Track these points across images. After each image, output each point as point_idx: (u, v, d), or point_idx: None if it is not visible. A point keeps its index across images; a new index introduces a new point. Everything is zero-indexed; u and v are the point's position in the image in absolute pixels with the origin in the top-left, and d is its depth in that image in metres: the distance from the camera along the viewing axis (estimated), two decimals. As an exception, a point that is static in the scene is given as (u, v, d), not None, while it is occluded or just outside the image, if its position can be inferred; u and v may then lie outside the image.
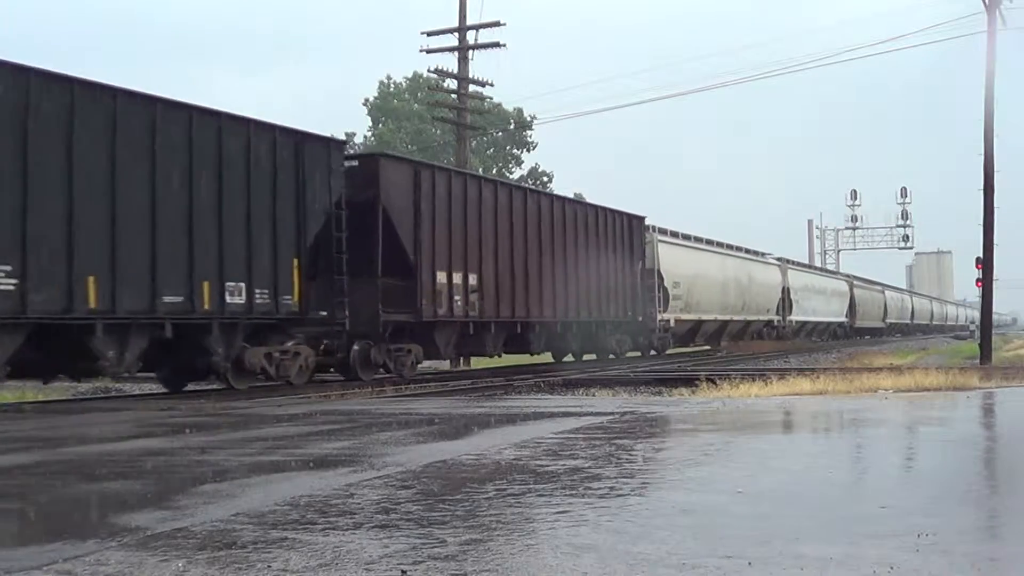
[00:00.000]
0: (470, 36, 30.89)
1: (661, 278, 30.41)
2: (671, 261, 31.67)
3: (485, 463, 6.45)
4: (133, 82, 16.35)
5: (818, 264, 72.85)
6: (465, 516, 4.47)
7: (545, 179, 55.32)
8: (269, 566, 3.54)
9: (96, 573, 3.56)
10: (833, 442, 8.31)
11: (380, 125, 51.78)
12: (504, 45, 30.56)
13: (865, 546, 3.73)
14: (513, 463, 6.40)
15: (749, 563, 3.46)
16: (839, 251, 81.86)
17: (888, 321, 68.40)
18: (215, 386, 16.64)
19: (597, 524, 4.25)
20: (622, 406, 10.91)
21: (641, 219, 29.86)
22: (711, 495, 5.02)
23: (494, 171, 52.63)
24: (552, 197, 26.43)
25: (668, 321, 30.94)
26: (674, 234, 34.15)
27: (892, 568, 3.37)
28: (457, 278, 20.10)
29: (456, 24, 30.85)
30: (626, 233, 28.39)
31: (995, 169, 23.69)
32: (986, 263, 24.75)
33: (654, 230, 31.06)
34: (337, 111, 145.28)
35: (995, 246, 24.51)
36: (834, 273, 60.68)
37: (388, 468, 6.10)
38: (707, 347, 37.85)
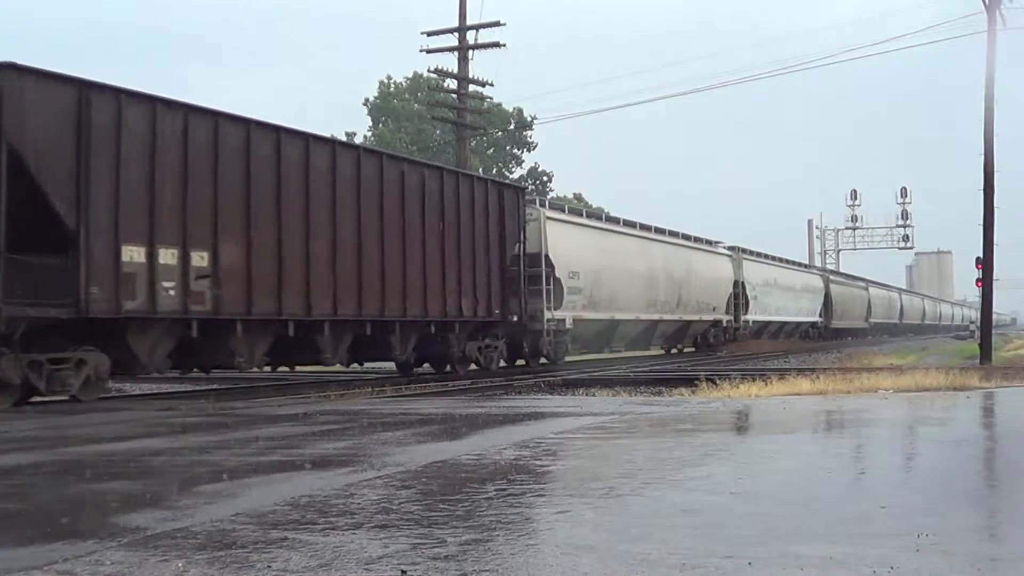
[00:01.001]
0: (470, 36, 30.89)
1: (551, 267, 23.77)
2: (566, 245, 24.82)
3: (485, 463, 6.45)
4: (132, 81, 16.34)
5: (818, 264, 71.50)
6: (465, 516, 4.47)
7: (545, 179, 55.34)
8: (269, 566, 3.54)
9: (96, 573, 3.55)
10: (833, 442, 8.31)
11: (380, 125, 51.80)
12: (504, 45, 30.58)
13: (865, 546, 3.73)
14: (513, 463, 6.40)
15: (749, 563, 3.46)
16: (839, 251, 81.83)
17: (873, 321, 63.00)
18: (216, 386, 16.65)
19: (597, 524, 4.25)
20: (622, 406, 10.91)
21: (519, 190, 24.09)
22: (711, 495, 5.01)
23: (494, 171, 52.67)
24: (372, 153, 19.80)
25: (563, 321, 24.12)
26: (574, 211, 28.22)
27: (892, 568, 3.37)
28: (168, 256, 13.77)
29: (456, 24, 30.85)
30: (495, 208, 21.58)
31: (995, 169, 23.70)
32: (986, 263, 24.75)
33: (542, 205, 25.24)
34: (337, 111, 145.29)
35: (995, 246, 24.51)
36: (806, 267, 53.40)
37: (388, 468, 6.09)
38: (629, 353, 31.04)
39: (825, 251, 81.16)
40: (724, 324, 36.92)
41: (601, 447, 7.45)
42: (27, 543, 4.18)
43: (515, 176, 54.56)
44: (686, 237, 34.83)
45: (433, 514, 4.54)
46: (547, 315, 23.11)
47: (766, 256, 44.48)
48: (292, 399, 13.73)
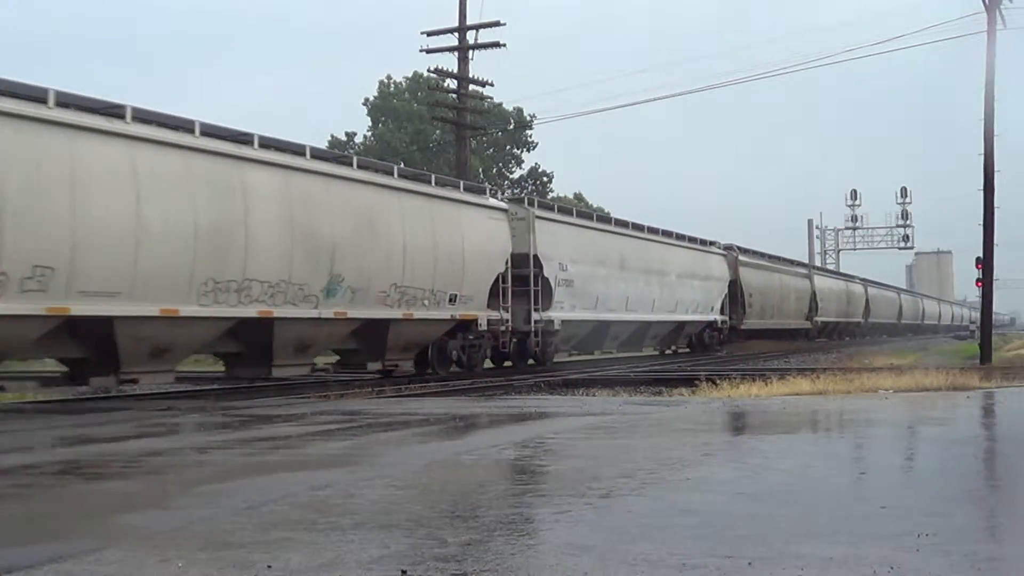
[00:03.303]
0: (470, 36, 30.85)
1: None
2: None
3: (486, 463, 6.45)
4: (132, 80, 16.01)
5: (817, 264, 70.83)
6: (465, 516, 4.47)
7: (545, 179, 55.33)
8: (269, 566, 3.54)
9: (96, 573, 3.55)
10: (833, 442, 8.31)
11: (380, 125, 51.76)
12: (504, 45, 30.50)
13: (865, 546, 3.73)
14: (513, 463, 6.40)
15: (749, 563, 3.46)
16: (839, 251, 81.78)
17: (821, 319, 48.82)
18: (216, 386, 16.66)
19: (597, 524, 4.25)
20: (622, 406, 10.91)
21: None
22: (711, 495, 5.01)
23: (494, 171, 52.65)
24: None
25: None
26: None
27: (892, 568, 3.37)
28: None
29: (456, 24, 30.83)
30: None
31: (995, 169, 23.67)
32: (986, 263, 24.73)
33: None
34: (337, 111, 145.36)
35: (995, 246, 24.50)
36: (702, 245, 34.30)
37: (388, 468, 6.09)
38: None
39: (825, 251, 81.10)
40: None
41: (601, 447, 7.45)
42: (27, 543, 4.18)
43: (515, 176, 54.59)
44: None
45: (433, 514, 4.54)
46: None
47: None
48: (292, 399, 13.72)
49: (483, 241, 20.22)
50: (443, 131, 43.83)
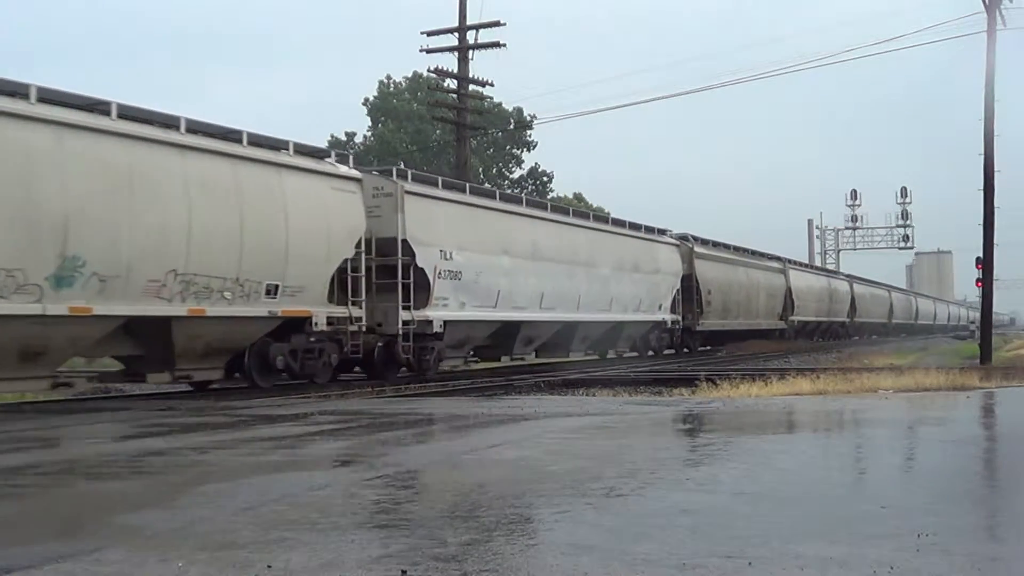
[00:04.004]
0: (470, 36, 30.85)
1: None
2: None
3: (485, 463, 6.45)
4: (131, 81, 15.93)
5: (818, 264, 70.22)
6: (465, 516, 4.47)
7: (545, 179, 55.32)
8: (269, 566, 3.54)
9: (96, 573, 3.55)
10: (833, 442, 8.31)
11: (380, 125, 51.76)
12: (504, 45, 30.49)
13: (865, 546, 3.73)
14: (513, 463, 6.40)
15: (749, 563, 3.46)
16: (839, 251, 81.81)
17: (798, 319, 43.99)
18: (216, 386, 16.66)
19: (597, 524, 4.25)
20: (622, 406, 10.92)
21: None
22: (711, 495, 5.01)
23: (494, 171, 52.64)
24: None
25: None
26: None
27: (892, 568, 3.37)
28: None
29: (456, 24, 30.83)
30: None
31: (995, 169, 23.68)
32: (986, 263, 24.74)
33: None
34: (336, 111, 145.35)
35: (995, 246, 24.51)
36: (648, 233, 29.59)
37: (388, 468, 6.09)
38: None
39: (825, 251, 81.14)
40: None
41: (601, 447, 7.45)
42: (27, 543, 4.17)
43: (515, 176, 54.57)
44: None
45: (433, 514, 4.54)
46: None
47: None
48: (292, 399, 13.72)
49: (319, 217, 15.64)
50: (443, 131, 43.82)
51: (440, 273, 18.75)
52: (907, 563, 3.46)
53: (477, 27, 30.68)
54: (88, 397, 14.63)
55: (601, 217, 28.25)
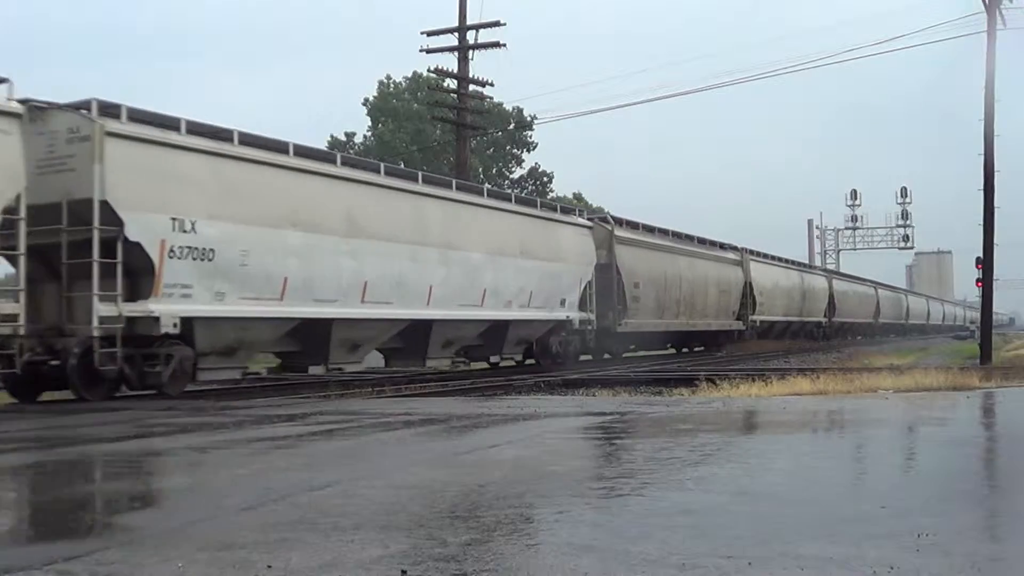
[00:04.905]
0: (470, 36, 30.87)
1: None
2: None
3: (485, 463, 6.45)
4: (130, 81, 15.94)
5: (818, 264, 69.43)
6: (465, 516, 4.47)
7: (545, 179, 55.31)
8: (269, 566, 3.54)
9: (96, 573, 3.55)
10: (833, 442, 8.31)
11: (380, 125, 51.75)
12: (504, 45, 30.54)
13: (865, 546, 3.73)
14: (513, 463, 6.40)
15: (749, 563, 3.46)
16: (839, 251, 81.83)
17: (761, 318, 38.40)
18: (216, 386, 16.65)
19: (597, 524, 4.25)
20: (622, 406, 10.91)
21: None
22: (711, 495, 5.01)
23: (494, 171, 52.62)
24: None
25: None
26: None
27: (892, 568, 3.37)
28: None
29: (456, 24, 30.84)
30: None
31: (995, 169, 23.69)
32: (986, 263, 24.75)
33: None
34: (336, 111, 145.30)
35: (995, 246, 24.51)
36: (544, 211, 24.47)
37: (388, 468, 6.09)
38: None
39: (825, 251, 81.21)
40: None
41: (601, 447, 7.45)
42: (27, 543, 4.18)
43: (515, 176, 54.54)
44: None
45: (433, 514, 4.54)
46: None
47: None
48: (292, 399, 13.72)
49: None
50: (443, 131, 43.81)
51: (173, 251, 13.63)
52: (907, 563, 3.46)
53: (477, 27, 30.72)
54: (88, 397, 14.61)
55: (470, 187, 21.82)
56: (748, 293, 36.87)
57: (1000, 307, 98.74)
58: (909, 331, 74.37)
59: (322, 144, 47.63)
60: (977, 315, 39.25)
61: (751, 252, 38.71)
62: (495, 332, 21.50)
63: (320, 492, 5.18)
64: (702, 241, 34.79)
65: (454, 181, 21.03)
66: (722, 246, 36.65)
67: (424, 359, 19.68)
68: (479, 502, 4.84)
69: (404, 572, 3.43)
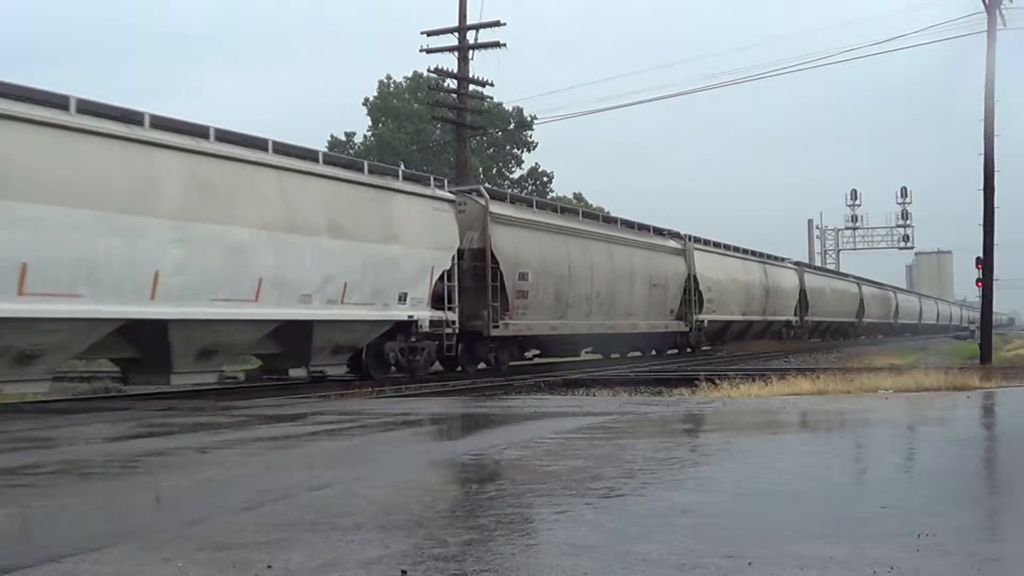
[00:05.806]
0: (470, 36, 30.87)
1: None
2: None
3: (485, 463, 6.46)
4: (129, 80, 15.96)
5: (818, 264, 69.25)
6: (465, 516, 4.47)
7: (545, 179, 55.32)
8: (269, 566, 3.54)
9: (96, 573, 3.55)
10: (833, 442, 8.30)
11: (380, 125, 51.77)
12: (504, 45, 30.53)
13: (865, 546, 3.73)
14: (513, 463, 6.40)
15: (749, 563, 3.46)
16: (839, 251, 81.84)
17: (710, 318, 32.57)
18: (216, 386, 16.66)
19: (597, 524, 4.25)
20: (622, 406, 10.91)
21: None
22: (711, 495, 5.01)
23: (494, 171, 52.64)
24: None
25: None
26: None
27: (892, 568, 3.37)
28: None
29: (456, 24, 30.84)
30: None
31: (995, 169, 23.68)
32: (986, 263, 24.74)
33: None
34: (336, 111, 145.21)
35: (995, 246, 24.50)
36: (378, 177, 17.32)
37: (388, 468, 6.10)
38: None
39: (825, 251, 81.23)
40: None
41: (601, 447, 7.45)
42: (27, 543, 4.17)
43: (515, 176, 54.56)
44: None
45: (433, 514, 4.54)
46: None
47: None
48: (292, 399, 13.72)
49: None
50: (443, 131, 43.82)
51: None
52: (907, 563, 3.46)
53: (477, 27, 30.71)
54: (88, 397, 14.64)
55: (246, 140, 14.48)
56: (693, 288, 30.89)
57: (1000, 307, 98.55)
58: (899, 332, 68.89)
59: (322, 143, 47.72)
60: (976, 315, 38.74)
61: (697, 240, 32.72)
62: (292, 337, 15.40)
63: (320, 492, 5.18)
64: (629, 225, 28.49)
65: (212, 128, 13.74)
66: (659, 231, 30.33)
67: (168, 373, 13.54)
68: (479, 502, 4.84)
69: (404, 572, 3.43)
